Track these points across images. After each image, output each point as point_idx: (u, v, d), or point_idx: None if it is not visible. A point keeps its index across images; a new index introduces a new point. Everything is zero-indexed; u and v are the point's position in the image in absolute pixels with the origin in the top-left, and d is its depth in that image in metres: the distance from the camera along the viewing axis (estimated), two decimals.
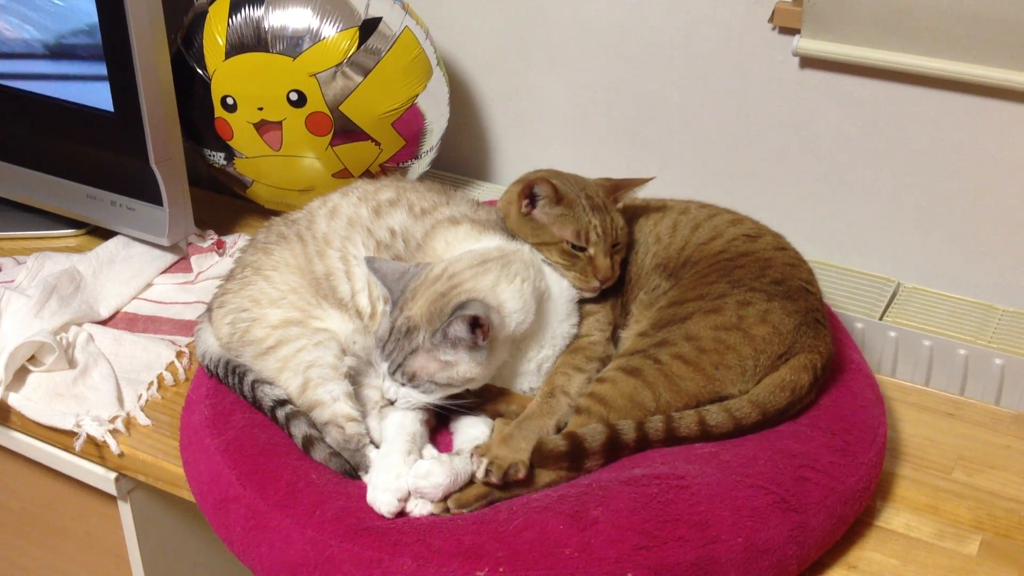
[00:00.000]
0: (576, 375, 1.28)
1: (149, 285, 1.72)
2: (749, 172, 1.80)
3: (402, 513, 1.16)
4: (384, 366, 1.23)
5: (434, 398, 1.22)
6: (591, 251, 1.32)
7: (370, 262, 1.28)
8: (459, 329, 1.18)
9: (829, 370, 1.33)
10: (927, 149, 1.65)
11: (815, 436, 1.26)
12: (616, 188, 1.38)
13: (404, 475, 1.16)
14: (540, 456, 1.19)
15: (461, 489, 1.18)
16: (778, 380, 1.26)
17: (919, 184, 1.68)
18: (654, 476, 1.17)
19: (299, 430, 1.25)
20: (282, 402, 1.28)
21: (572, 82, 1.90)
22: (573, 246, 1.32)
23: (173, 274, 1.74)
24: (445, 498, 1.16)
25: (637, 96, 1.84)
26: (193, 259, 1.74)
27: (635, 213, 1.45)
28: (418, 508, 1.16)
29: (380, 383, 1.31)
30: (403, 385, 1.22)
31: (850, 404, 1.32)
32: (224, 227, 1.85)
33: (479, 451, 1.19)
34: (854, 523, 1.25)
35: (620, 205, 1.39)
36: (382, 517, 1.15)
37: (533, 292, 1.27)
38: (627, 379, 1.25)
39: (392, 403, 1.25)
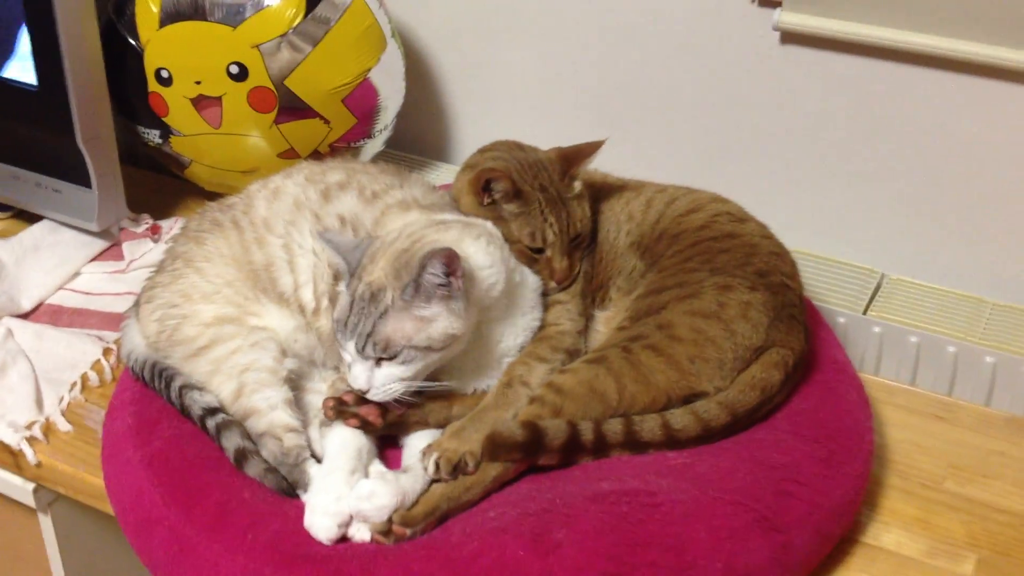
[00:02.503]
0: (538, 365, 1.22)
1: (76, 274, 1.66)
2: (725, 153, 1.76)
3: (344, 538, 1.09)
4: (350, 346, 1.13)
5: (415, 370, 1.12)
6: (548, 253, 1.28)
7: (322, 234, 1.21)
8: (434, 274, 1.10)
9: (804, 369, 1.28)
10: (915, 131, 1.61)
11: (797, 445, 1.20)
12: (570, 162, 1.31)
13: (345, 497, 1.09)
14: (493, 445, 1.12)
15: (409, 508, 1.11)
16: (748, 378, 1.21)
17: (906, 168, 1.64)
18: (623, 492, 1.11)
19: (231, 442, 1.18)
20: (213, 410, 1.21)
21: (539, 56, 1.84)
22: (529, 248, 1.27)
23: (103, 262, 1.68)
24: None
25: (608, 71, 1.79)
26: (125, 246, 1.69)
27: (609, 192, 1.39)
28: (360, 533, 1.09)
29: (324, 388, 1.25)
30: (378, 363, 1.12)
31: (834, 409, 1.27)
32: (161, 211, 1.79)
33: (430, 448, 1.13)
34: (840, 540, 1.19)
35: (578, 184, 1.31)
36: (321, 543, 1.08)
37: (503, 258, 1.21)
38: (588, 367, 1.19)
39: (364, 396, 1.13)
